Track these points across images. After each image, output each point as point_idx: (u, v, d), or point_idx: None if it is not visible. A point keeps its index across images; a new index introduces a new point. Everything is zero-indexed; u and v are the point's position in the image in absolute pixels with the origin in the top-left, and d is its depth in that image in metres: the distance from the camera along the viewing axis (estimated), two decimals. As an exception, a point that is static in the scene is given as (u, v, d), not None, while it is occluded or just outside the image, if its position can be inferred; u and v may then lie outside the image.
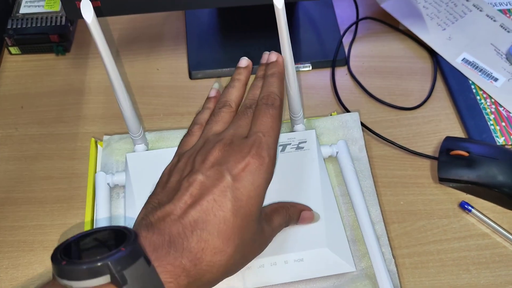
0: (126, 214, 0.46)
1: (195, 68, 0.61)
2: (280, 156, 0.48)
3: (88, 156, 0.52)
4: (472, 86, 0.59)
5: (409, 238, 0.48)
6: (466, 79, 0.59)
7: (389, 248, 0.46)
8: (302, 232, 0.44)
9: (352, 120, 0.54)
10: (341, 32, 0.65)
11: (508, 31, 0.62)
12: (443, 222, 0.49)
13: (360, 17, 0.66)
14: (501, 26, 0.63)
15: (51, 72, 0.62)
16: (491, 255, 0.47)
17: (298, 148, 0.48)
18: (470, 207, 0.49)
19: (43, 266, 0.47)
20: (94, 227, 0.47)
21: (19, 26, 0.62)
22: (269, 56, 0.44)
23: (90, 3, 0.37)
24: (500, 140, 0.54)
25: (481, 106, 0.57)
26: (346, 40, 0.64)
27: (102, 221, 0.46)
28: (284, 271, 0.43)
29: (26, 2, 0.65)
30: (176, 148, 0.44)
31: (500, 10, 0.65)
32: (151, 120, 0.57)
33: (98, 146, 0.53)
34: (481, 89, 0.58)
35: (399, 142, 0.54)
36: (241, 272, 0.42)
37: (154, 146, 0.52)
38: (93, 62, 0.63)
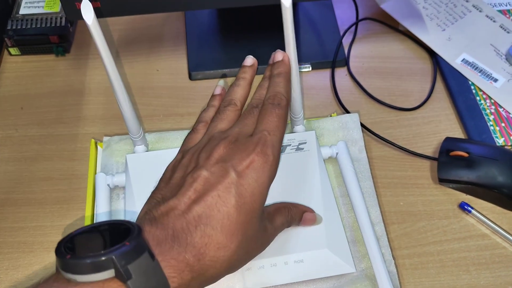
0: (126, 214, 0.46)
1: (195, 69, 0.61)
2: (280, 157, 0.48)
3: (88, 157, 0.52)
4: (472, 87, 0.59)
5: (409, 239, 0.48)
6: (465, 79, 0.59)
7: (389, 249, 0.46)
8: (302, 233, 0.44)
9: (352, 121, 0.54)
10: (341, 33, 0.65)
11: (508, 32, 0.62)
12: (443, 223, 0.49)
13: (360, 17, 0.66)
14: (501, 27, 0.63)
15: (51, 73, 0.62)
16: (491, 255, 0.47)
17: (298, 149, 0.48)
18: (470, 208, 0.49)
19: (43, 267, 0.47)
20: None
21: (19, 27, 0.62)
22: (276, 55, 0.44)
23: (90, 4, 0.37)
24: (500, 141, 0.54)
25: (480, 107, 0.57)
26: (346, 41, 0.64)
27: (102, 222, 0.46)
28: (284, 272, 0.43)
29: (26, 2, 0.65)
30: (176, 149, 0.44)
31: (499, 11, 0.65)
32: (151, 121, 0.57)
33: (98, 147, 0.53)
34: (480, 90, 0.58)
35: (399, 143, 0.54)
36: (241, 273, 0.42)
37: (154, 147, 0.52)
38: (93, 63, 0.63)
